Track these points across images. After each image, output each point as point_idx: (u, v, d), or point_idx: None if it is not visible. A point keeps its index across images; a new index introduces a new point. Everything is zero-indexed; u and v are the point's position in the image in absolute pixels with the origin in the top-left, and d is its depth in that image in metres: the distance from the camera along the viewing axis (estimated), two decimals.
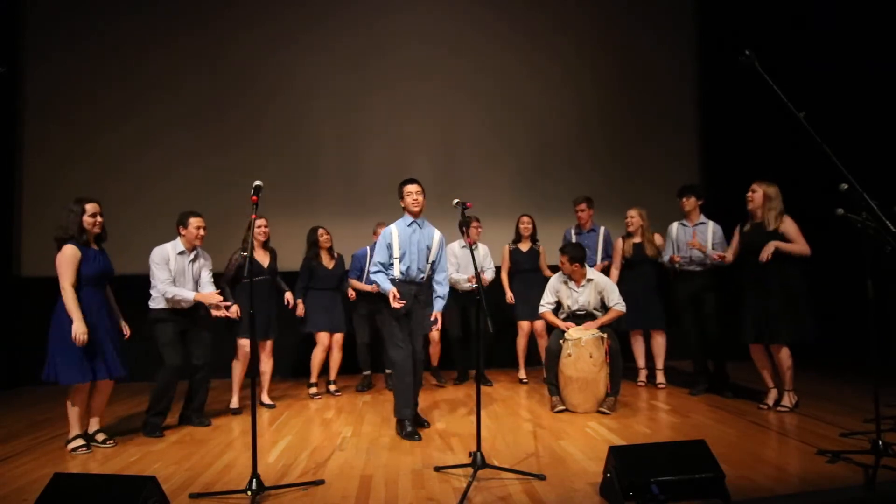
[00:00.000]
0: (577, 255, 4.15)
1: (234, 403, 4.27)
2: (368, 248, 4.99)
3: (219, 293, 3.79)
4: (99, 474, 2.78)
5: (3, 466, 3.05)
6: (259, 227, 4.22)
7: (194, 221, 3.74)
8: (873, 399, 2.78)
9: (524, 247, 5.17)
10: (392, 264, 3.60)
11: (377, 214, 5.32)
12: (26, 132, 5.78)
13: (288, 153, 6.11)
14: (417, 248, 3.62)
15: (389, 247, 3.61)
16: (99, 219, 3.33)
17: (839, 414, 3.74)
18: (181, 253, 3.73)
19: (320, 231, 4.80)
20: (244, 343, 4.21)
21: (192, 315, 3.79)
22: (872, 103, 5.39)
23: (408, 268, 3.60)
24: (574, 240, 5.14)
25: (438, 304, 3.69)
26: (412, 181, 3.64)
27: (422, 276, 3.66)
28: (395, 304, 3.44)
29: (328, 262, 4.81)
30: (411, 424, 3.50)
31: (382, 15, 6.28)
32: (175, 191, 5.68)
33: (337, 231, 5.07)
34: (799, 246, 3.76)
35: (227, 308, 3.79)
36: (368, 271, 3.62)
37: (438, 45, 6.33)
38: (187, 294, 3.65)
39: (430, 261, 3.67)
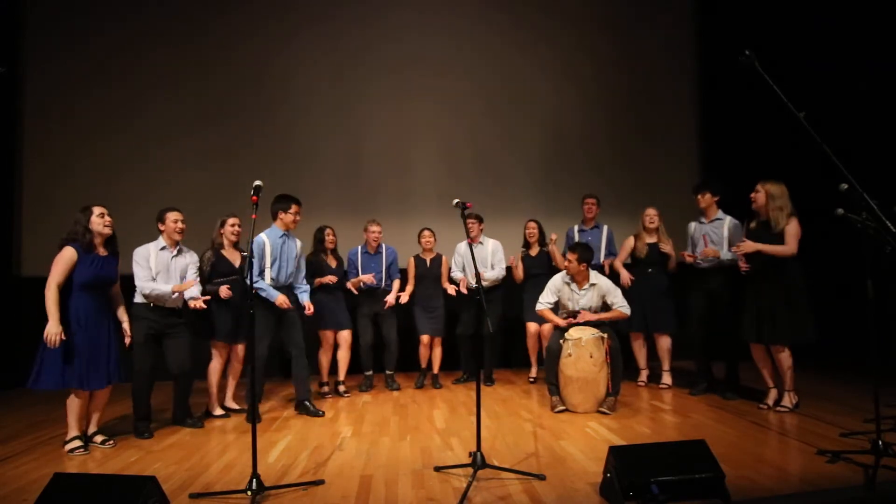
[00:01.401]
0: (585, 256, 4.16)
1: (216, 410, 4.12)
2: (360, 247, 5.02)
3: (206, 299, 3.73)
4: (99, 474, 2.78)
5: (3, 466, 3.05)
6: (232, 225, 4.15)
7: (171, 216, 3.72)
8: (873, 399, 2.78)
9: (533, 251, 5.20)
10: (263, 271, 4.04)
11: (378, 214, 5.31)
12: (26, 132, 5.77)
13: (291, 154, 6.10)
14: (287, 257, 4.12)
15: (262, 255, 4.04)
16: (107, 219, 3.33)
17: (839, 414, 3.74)
18: (163, 248, 3.70)
19: (327, 231, 4.83)
20: (219, 346, 4.10)
21: (173, 317, 3.71)
22: (872, 103, 5.39)
23: (278, 274, 4.07)
24: (577, 237, 5.17)
25: (304, 297, 4.26)
26: (298, 202, 4.16)
27: (290, 280, 4.18)
28: (285, 306, 3.97)
29: (332, 262, 4.83)
30: (312, 404, 4.10)
31: (384, 14, 6.27)
32: (177, 192, 5.61)
33: (339, 231, 5.05)
34: (784, 247, 3.74)
35: (211, 296, 3.77)
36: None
37: (442, 47, 6.33)
38: (164, 288, 3.59)
39: (296, 267, 4.23)
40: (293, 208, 4.12)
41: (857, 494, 2.44)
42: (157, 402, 3.76)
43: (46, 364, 3.13)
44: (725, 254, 4.26)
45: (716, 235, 4.39)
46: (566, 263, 4.25)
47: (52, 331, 3.07)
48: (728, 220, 4.39)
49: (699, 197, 4.49)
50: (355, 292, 4.89)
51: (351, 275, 4.95)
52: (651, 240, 4.79)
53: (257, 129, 6.08)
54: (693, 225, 4.58)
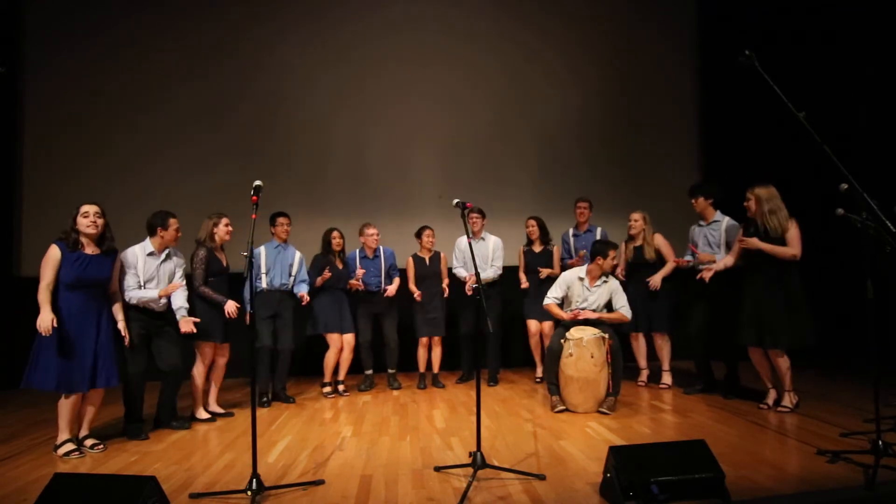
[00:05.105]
0: (599, 251, 4.21)
1: (201, 413, 4.02)
2: (357, 250, 5.04)
3: (195, 321, 3.74)
4: (99, 474, 2.78)
5: (3, 466, 3.05)
6: (227, 225, 4.12)
7: (174, 222, 3.68)
8: (873, 399, 2.78)
9: (537, 248, 5.21)
10: (259, 277, 4.48)
11: (377, 213, 5.31)
12: (27, 132, 5.77)
13: (294, 155, 6.10)
14: (281, 266, 4.53)
15: (259, 263, 4.48)
16: (95, 219, 3.22)
17: (839, 414, 3.74)
18: (150, 254, 3.63)
19: (333, 234, 4.84)
20: (207, 347, 4.04)
21: (163, 317, 3.69)
22: (872, 103, 5.38)
23: (272, 280, 4.48)
24: (572, 241, 5.26)
25: (303, 287, 4.56)
26: (285, 215, 4.59)
27: (285, 286, 4.55)
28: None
29: (339, 263, 4.83)
30: (267, 398, 4.53)
31: (385, 11, 6.27)
32: (179, 194, 5.57)
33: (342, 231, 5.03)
34: (787, 249, 3.71)
35: (193, 322, 3.76)
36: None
37: (443, 43, 6.32)
38: (151, 294, 3.57)
39: (293, 274, 4.60)
40: (279, 220, 4.55)
41: (857, 494, 2.44)
42: (145, 405, 3.72)
43: (40, 363, 3.11)
44: (719, 258, 4.24)
45: (713, 238, 4.41)
46: (591, 265, 4.25)
47: (44, 321, 3.03)
48: (725, 222, 4.39)
49: (693, 202, 4.53)
50: (361, 287, 4.90)
51: (351, 277, 4.96)
52: (637, 244, 4.84)
53: (258, 129, 6.07)
54: (694, 228, 4.60)
